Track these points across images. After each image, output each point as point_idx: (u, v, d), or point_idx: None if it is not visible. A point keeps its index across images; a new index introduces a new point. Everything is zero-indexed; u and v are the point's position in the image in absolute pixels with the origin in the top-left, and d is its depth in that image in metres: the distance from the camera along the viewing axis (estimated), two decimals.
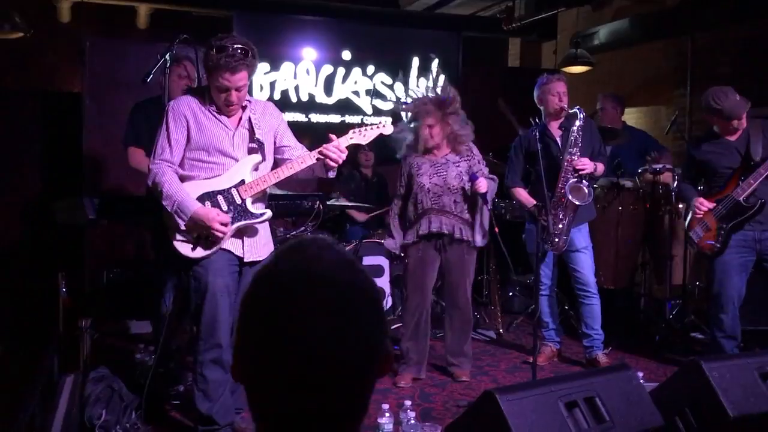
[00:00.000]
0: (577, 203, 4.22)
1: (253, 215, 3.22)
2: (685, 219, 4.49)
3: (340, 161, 3.24)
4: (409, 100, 4.32)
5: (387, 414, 3.17)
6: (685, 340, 4.91)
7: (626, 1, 7.34)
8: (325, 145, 3.25)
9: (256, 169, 3.26)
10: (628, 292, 5.50)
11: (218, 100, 3.17)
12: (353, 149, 5.81)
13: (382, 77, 6.73)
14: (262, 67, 6.35)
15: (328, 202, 5.14)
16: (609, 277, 5.19)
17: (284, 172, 3.25)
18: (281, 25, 6.38)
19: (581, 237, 4.40)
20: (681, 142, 6.69)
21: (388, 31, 6.87)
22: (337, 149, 3.21)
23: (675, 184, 4.99)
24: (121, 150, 4.43)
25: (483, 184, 3.94)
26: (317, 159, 3.24)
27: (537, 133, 4.09)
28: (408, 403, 3.26)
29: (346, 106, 6.64)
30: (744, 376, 2.97)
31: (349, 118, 6.65)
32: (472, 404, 2.74)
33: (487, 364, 4.55)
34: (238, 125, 3.25)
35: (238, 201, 3.20)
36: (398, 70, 6.51)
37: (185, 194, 3.12)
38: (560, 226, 4.28)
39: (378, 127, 3.43)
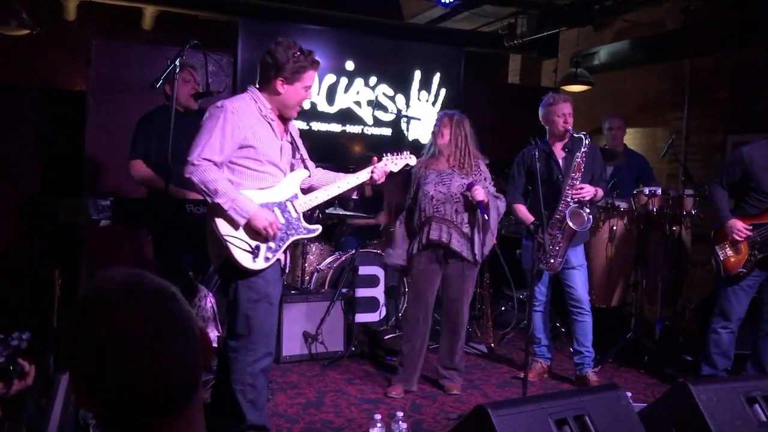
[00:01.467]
0: (576, 229, 4.26)
1: (308, 230, 3.23)
2: (681, 234, 4.52)
3: (379, 182, 3.47)
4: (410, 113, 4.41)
5: (379, 425, 3.22)
6: (674, 361, 4.97)
7: (627, 23, 7.42)
8: (376, 166, 3.42)
9: (304, 184, 3.31)
10: (618, 312, 5.56)
11: (295, 102, 3.14)
12: (366, 163, 5.93)
13: (384, 88, 6.79)
14: None
15: (326, 211, 5.20)
16: (600, 296, 5.26)
17: (336, 190, 3.34)
18: (286, 33, 6.35)
19: (576, 255, 4.45)
20: (675, 164, 6.78)
21: (391, 43, 6.93)
22: (383, 172, 3.42)
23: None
24: (121, 148, 4.46)
25: (479, 192, 3.98)
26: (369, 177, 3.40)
27: (536, 152, 4.15)
28: (400, 414, 3.30)
29: (347, 116, 6.69)
30: (731, 400, 3.03)
31: (350, 128, 6.71)
32: (464, 418, 2.79)
33: (477, 378, 4.60)
34: (284, 135, 3.25)
35: (294, 214, 3.19)
36: (400, 82, 6.57)
37: (241, 193, 3.01)
38: (557, 247, 4.32)
39: (405, 158, 3.63)
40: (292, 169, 3.32)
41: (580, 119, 8.29)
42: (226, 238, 3.01)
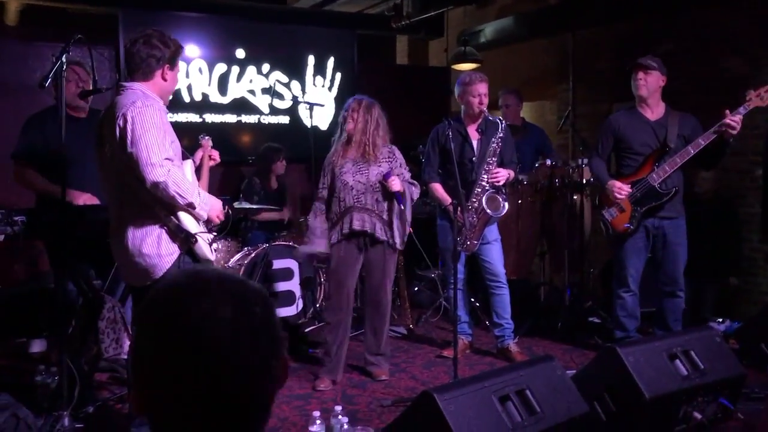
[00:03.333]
0: (492, 215, 4.32)
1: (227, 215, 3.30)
2: (595, 197, 4.70)
3: None
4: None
5: (318, 421, 3.14)
6: (585, 325, 5.17)
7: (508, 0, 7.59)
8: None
9: None
10: (528, 282, 5.72)
11: (173, 87, 3.18)
12: (272, 155, 5.76)
13: (278, 75, 6.63)
14: None
15: (235, 205, 5.02)
16: (510, 268, 5.36)
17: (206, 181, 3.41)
18: (170, 23, 6.12)
19: (491, 230, 4.50)
20: (566, 135, 7.04)
21: (281, 28, 6.77)
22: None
23: (584, 163, 5.15)
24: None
25: (396, 183, 3.97)
26: None
27: (450, 132, 4.16)
28: (338, 408, 3.24)
29: (242, 106, 6.48)
30: (655, 359, 3.18)
31: (246, 118, 6.51)
32: (410, 406, 2.77)
33: (403, 361, 4.60)
34: None
35: None
36: (294, 69, 6.44)
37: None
38: (473, 230, 4.36)
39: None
40: None
41: None
42: (198, 235, 2.97)
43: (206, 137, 3.51)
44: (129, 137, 2.80)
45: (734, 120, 4.05)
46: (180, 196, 2.83)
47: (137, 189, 2.87)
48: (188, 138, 6.16)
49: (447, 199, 4.40)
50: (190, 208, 2.91)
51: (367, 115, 4.06)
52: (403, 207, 4.02)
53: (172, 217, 2.92)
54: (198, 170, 3.43)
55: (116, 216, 3.01)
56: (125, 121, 2.82)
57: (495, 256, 4.53)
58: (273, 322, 1.02)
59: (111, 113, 2.90)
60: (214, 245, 3.18)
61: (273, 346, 1.00)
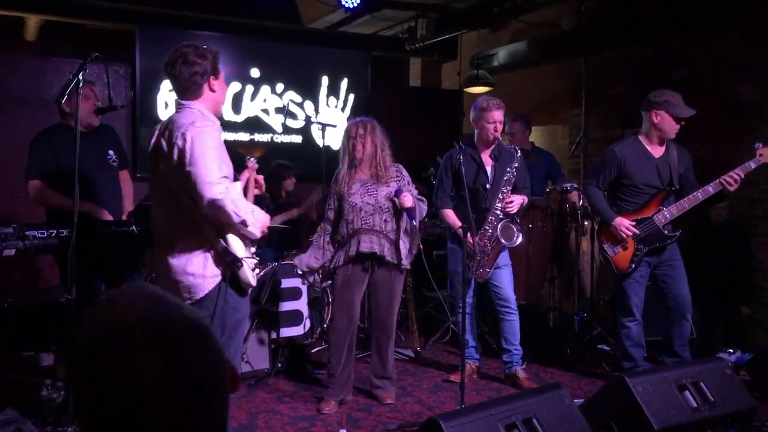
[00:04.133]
0: (506, 244, 4.32)
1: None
2: (594, 228, 4.66)
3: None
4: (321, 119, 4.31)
5: None
6: (594, 352, 5.12)
7: (523, 23, 7.62)
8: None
9: None
10: (538, 307, 5.69)
11: (225, 94, 3.25)
12: (282, 172, 5.74)
13: (292, 95, 6.67)
14: (167, 84, 6.14)
15: None
16: (521, 292, 5.33)
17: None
18: (186, 41, 6.16)
19: (502, 255, 4.47)
20: (576, 160, 7.03)
21: (296, 49, 6.83)
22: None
23: (581, 200, 5.14)
24: (14, 168, 4.17)
25: (408, 199, 3.96)
26: None
27: (461, 156, 4.16)
28: (343, 431, 3.22)
29: (255, 124, 6.53)
30: (664, 389, 3.15)
31: (259, 137, 6.55)
32: (416, 431, 2.75)
33: (409, 384, 4.57)
34: None
35: None
36: (308, 89, 6.48)
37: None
38: (486, 258, 4.34)
39: None
40: None
41: None
42: (244, 260, 2.93)
43: (252, 159, 3.42)
44: (188, 156, 2.78)
45: (734, 178, 4.06)
46: (236, 214, 2.82)
47: (189, 208, 2.86)
48: None
49: (457, 222, 4.38)
50: (243, 225, 2.87)
51: (375, 138, 4.06)
52: (414, 222, 4.01)
53: (220, 239, 2.89)
54: (244, 192, 3.41)
55: (165, 233, 2.99)
56: (184, 141, 2.80)
57: (505, 281, 4.51)
58: (210, 350, 0.95)
59: (169, 131, 2.88)
60: (257, 270, 3.15)
61: (216, 374, 0.95)
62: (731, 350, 4.87)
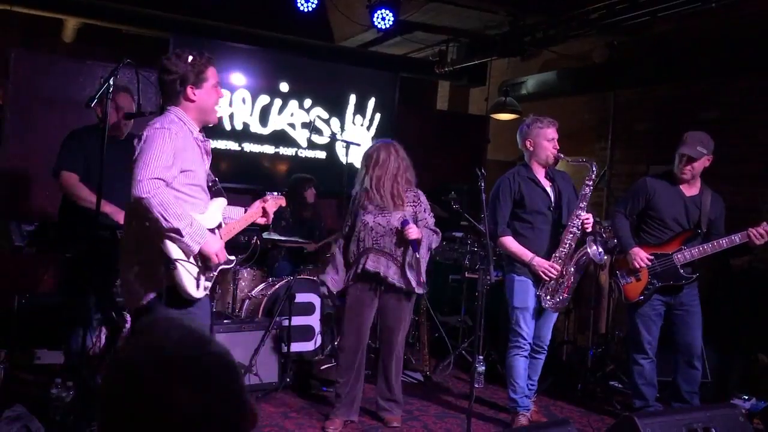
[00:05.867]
0: (596, 260, 4.13)
1: (228, 260, 3.08)
2: (612, 253, 4.59)
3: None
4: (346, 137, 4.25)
5: None
6: (605, 389, 5.06)
7: (554, 54, 7.63)
8: (267, 202, 3.30)
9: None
10: (552, 340, 5.62)
11: (211, 104, 2.99)
12: (301, 183, 5.75)
13: (319, 111, 6.72)
14: None
15: (264, 235, 5.05)
16: None
17: (243, 224, 3.23)
18: (220, 52, 6.26)
19: None
20: (599, 193, 7.00)
21: (327, 65, 6.89)
22: (271, 212, 3.30)
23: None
24: (40, 166, 4.20)
25: (413, 231, 3.90)
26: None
27: (519, 181, 4.08)
28: None
29: (281, 138, 6.58)
30: None
31: (284, 150, 6.60)
32: None
33: (416, 409, 4.53)
34: (208, 155, 3.09)
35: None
36: (336, 106, 6.52)
37: (195, 218, 2.86)
38: (567, 284, 4.11)
39: (278, 199, 3.45)
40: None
41: (508, 147, 8.48)
42: (179, 262, 2.81)
43: (275, 195, 3.37)
44: (136, 154, 2.81)
45: (761, 233, 3.98)
46: (163, 218, 2.72)
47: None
48: (226, 163, 6.32)
49: (527, 253, 4.10)
50: (176, 234, 2.76)
51: (395, 162, 4.03)
52: (418, 256, 3.93)
53: (159, 239, 2.80)
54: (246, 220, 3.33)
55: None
56: (140, 140, 2.84)
57: (549, 321, 4.28)
58: (234, 386, 1.01)
59: None
60: (204, 282, 2.96)
61: (239, 410, 1.00)
62: (746, 397, 4.78)
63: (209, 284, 3.00)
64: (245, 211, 3.35)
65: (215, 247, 2.90)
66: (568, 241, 4.08)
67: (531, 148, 4.22)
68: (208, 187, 3.08)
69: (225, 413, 0.97)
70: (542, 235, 4.13)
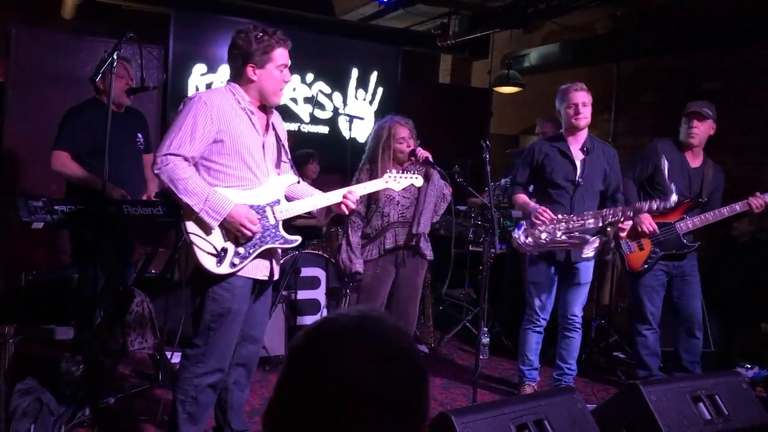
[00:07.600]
0: (579, 258, 3.98)
1: (285, 240, 2.99)
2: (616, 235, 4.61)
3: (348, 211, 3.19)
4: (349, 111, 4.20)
5: None
6: (609, 359, 5.10)
7: (556, 26, 7.58)
8: (351, 191, 3.13)
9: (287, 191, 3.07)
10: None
11: (273, 86, 2.91)
12: (304, 158, 5.72)
13: (321, 86, 6.70)
14: (199, 68, 6.21)
15: None
16: None
17: (312, 205, 3.10)
18: (220, 27, 6.24)
19: (587, 271, 4.12)
20: None
21: (327, 39, 6.84)
22: (356, 200, 3.14)
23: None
24: (41, 142, 4.20)
25: (422, 151, 3.85)
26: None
27: (546, 151, 4.01)
28: None
29: (283, 113, 6.38)
30: (678, 400, 3.12)
31: (286, 125, 6.52)
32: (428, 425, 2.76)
33: None
34: (266, 130, 3.00)
35: (272, 221, 2.95)
36: (338, 80, 6.49)
37: (215, 192, 2.79)
38: (548, 241, 3.90)
39: (411, 178, 3.42)
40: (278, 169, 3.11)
41: (512, 120, 8.47)
42: (192, 237, 2.80)
43: (352, 195, 3.13)
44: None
45: (761, 202, 4.05)
46: (174, 192, 2.74)
47: None
48: None
49: (530, 202, 4.01)
50: (191, 209, 2.76)
51: (413, 134, 4.03)
52: (438, 170, 3.85)
53: (183, 214, 2.83)
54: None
55: None
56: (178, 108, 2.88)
57: (581, 298, 4.15)
58: (417, 383, 1.01)
59: None
60: (231, 258, 2.85)
61: (419, 407, 1.00)
62: (749, 365, 4.83)
63: (240, 261, 2.87)
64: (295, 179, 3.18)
65: (242, 218, 2.79)
66: (590, 217, 3.88)
67: (561, 117, 4.08)
68: (277, 162, 3.06)
69: (405, 400, 0.97)
70: (558, 208, 3.95)
